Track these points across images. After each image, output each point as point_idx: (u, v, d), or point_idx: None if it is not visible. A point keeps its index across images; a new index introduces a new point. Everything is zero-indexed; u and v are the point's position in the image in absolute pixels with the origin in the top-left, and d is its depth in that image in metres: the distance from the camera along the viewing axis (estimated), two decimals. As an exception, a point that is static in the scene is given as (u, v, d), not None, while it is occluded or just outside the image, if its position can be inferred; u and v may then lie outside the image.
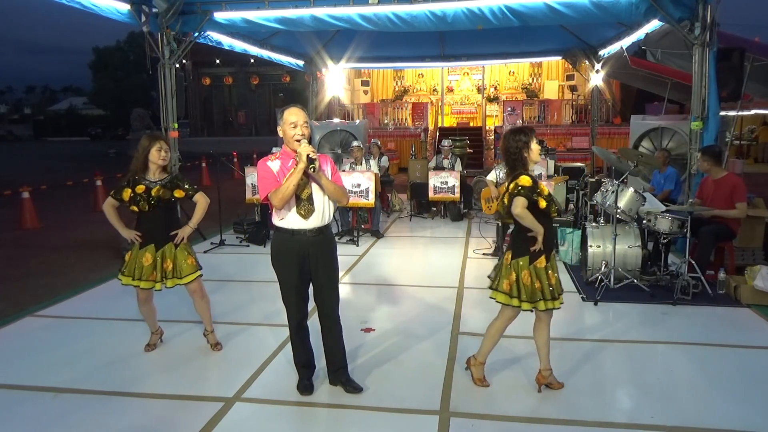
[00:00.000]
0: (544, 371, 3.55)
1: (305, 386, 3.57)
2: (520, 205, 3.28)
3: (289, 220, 3.35)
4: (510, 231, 3.71)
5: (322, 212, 3.39)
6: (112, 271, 6.64)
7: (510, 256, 3.46)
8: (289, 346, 3.80)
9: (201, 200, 4.08)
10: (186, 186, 4.04)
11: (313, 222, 3.36)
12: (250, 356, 4.13)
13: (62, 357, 4.18)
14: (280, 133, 3.35)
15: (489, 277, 3.65)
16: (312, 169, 3.21)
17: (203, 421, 3.25)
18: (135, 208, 3.92)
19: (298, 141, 3.25)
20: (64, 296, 5.69)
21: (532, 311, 3.45)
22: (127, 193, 3.90)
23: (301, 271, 3.39)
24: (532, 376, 3.72)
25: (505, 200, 3.44)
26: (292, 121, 3.28)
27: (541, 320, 3.51)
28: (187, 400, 3.52)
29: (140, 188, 3.88)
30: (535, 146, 3.41)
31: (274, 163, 3.35)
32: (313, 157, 3.18)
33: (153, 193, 3.88)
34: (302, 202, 3.33)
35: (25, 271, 6.89)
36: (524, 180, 3.31)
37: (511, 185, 3.37)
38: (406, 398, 3.49)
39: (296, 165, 3.23)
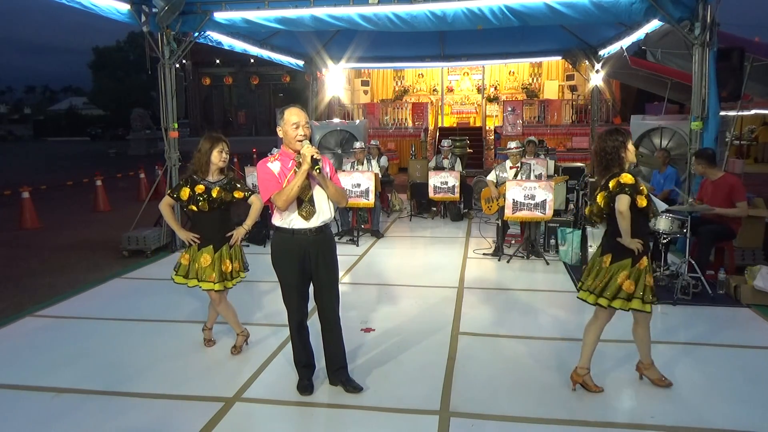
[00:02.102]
0: (643, 363, 3.60)
1: (305, 386, 3.57)
2: (625, 203, 3.25)
3: (289, 220, 3.35)
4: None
5: (324, 213, 3.39)
6: (112, 271, 6.65)
7: (609, 259, 3.39)
8: (289, 346, 3.81)
9: (256, 202, 4.10)
10: (244, 187, 4.09)
11: (314, 222, 3.36)
12: (250, 356, 4.14)
13: (62, 357, 4.18)
14: (280, 134, 3.34)
15: (580, 280, 3.63)
16: (317, 171, 3.21)
17: (203, 421, 3.25)
18: (194, 208, 3.92)
19: (301, 142, 3.25)
20: (64, 296, 5.68)
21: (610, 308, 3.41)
22: (185, 193, 3.90)
23: (301, 270, 3.39)
24: (532, 376, 3.73)
25: (599, 200, 3.40)
26: (294, 121, 3.27)
27: (598, 317, 3.51)
28: (187, 400, 3.52)
29: (200, 188, 3.90)
30: (631, 146, 3.40)
31: (274, 165, 3.34)
32: (317, 158, 3.18)
33: (214, 194, 3.90)
34: (304, 203, 3.33)
35: (25, 271, 6.88)
36: (627, 178, 3.30)
37: (611, 183, 3.33)
38: (406, 398, 3.49)
39: (298, 166, 3.23)
